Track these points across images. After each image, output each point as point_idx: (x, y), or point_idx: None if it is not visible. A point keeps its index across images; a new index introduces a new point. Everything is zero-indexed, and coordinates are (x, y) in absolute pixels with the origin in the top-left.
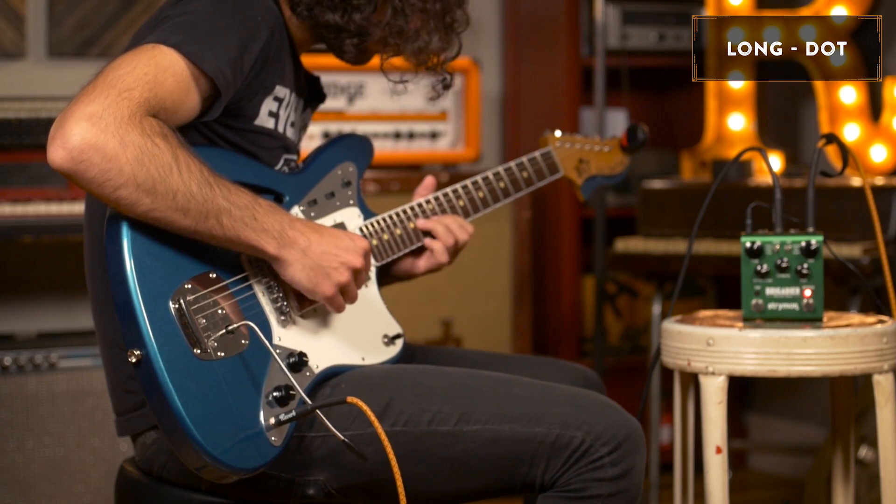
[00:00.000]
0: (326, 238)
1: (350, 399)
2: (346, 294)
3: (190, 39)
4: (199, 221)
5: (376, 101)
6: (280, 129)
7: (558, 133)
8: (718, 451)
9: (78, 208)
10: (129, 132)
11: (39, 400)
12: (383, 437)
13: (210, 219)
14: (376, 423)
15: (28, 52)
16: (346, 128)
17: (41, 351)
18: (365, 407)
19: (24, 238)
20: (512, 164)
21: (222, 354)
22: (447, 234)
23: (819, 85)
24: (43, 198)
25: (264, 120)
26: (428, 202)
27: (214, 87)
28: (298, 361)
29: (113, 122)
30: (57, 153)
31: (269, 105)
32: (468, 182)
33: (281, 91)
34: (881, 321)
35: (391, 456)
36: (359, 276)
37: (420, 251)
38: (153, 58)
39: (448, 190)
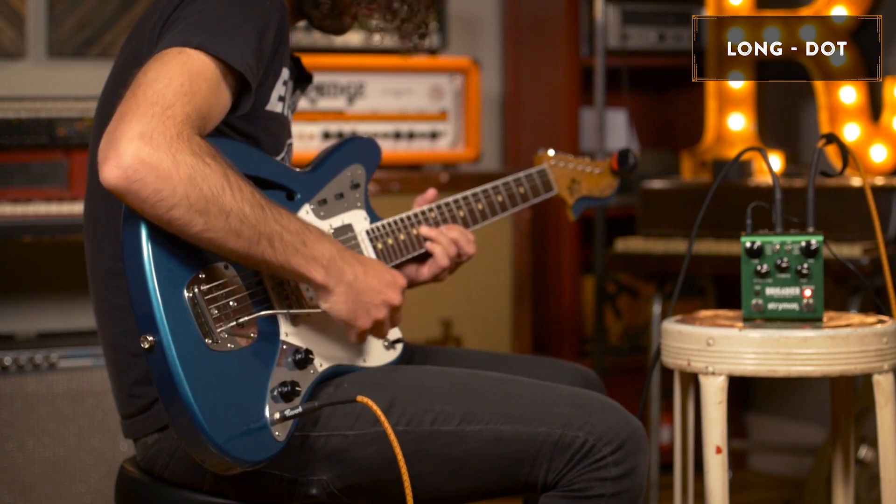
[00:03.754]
0: (371, 272)
1: (360, 398)
2: (379, 330)
3: (212, 36)
4: (251, 244)
5: (376, 101)
6: (285, 112)
7: (552, 152)
8: (718, 451)
9: (78, 208)
10: (181, 151)
11: (39, 400)
12: (391, 435)
13: (262, 242)
14: (385, 422)
15: (28, 52)
16: (346, 128)
17: (41, 351)
18: (374, 406)
19: (24, 238)
20: (510, 178)
21: (231, 346)
22: (450, 244)
23: (819, 85)
24: (43, 198)
25: (274, 104)
26: (431, 210)
27: (241, 79)
28: (304, 359)
29: (164, 142)
30: (111, 172)
31: (278, 90)
32: (468, 193)
33: (286, 73)
34: (881, 321)
35: (399, 455)
36: (395, 314)
37: (423, 259)
38: (184, 64)
39: (450, 200)
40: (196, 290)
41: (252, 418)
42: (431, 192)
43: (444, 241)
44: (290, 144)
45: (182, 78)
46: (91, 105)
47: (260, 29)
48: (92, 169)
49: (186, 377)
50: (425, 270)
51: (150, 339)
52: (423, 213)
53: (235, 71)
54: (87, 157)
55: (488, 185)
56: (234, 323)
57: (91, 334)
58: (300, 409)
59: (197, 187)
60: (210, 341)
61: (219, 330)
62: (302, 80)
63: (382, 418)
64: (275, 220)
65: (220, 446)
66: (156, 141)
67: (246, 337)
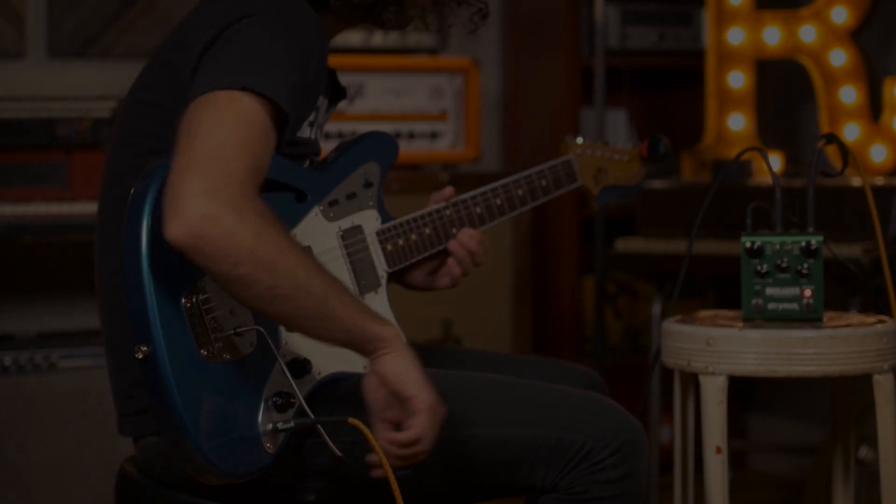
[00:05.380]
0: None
1: (352, 421)
2: (409, 435)
3: (262, 77)
4: (320, 302)
5: (376, 101)
6: (313, 135)
7: (580, 140)
8: (718, 451)
9: (78, 209)
10: (244, 209)
11: (39, 400)
12: (381, 455)
13: (331, 300)
14: (374, 444)
15: (28, 52)
16: (346, 128)
17: (41, 351)
18: (365, 429)
19: (24, 238)
20: (532, 171)
21: (228, 356)
22: (467, 257)
23: (819, 85)
24: (43, 198)
25: (304, 130)
26: (446, 208)
27: (284, 115)
28: (302, 368)
29: (228, 199)
30: (177, 229)
31: (310, 116)
32: (487, 189)
33: (321, 100)
34: (881, 321)
35: (389, 473)
36: (428, 435)
37: (438, 264)
38: (238, 113)
39: (466, 196)
40: (195, 299)
41: (243, 430)
42: (449, 190)
43: (462, 254)
44: (313, 160)
45: (240, 131)
46: (91, 105)
47: (302, 64)
48: (108, 169)
49: (178, 390)
50: (443, 280)
51: (144, 349)
52: (437, 211)
53: (282, 112)
54: (87, 158)
55: (509, 179)
56: (231, 332)
57: (91, 334)
58: (292, 425)
59: (263, 243)
60: (206, 352)
61: (215, 340)
62: (336, 95)
63: (373, 442)
64: (336, 280)
65: (210, 460)
66: (220, 197)
67: (243, 346)
